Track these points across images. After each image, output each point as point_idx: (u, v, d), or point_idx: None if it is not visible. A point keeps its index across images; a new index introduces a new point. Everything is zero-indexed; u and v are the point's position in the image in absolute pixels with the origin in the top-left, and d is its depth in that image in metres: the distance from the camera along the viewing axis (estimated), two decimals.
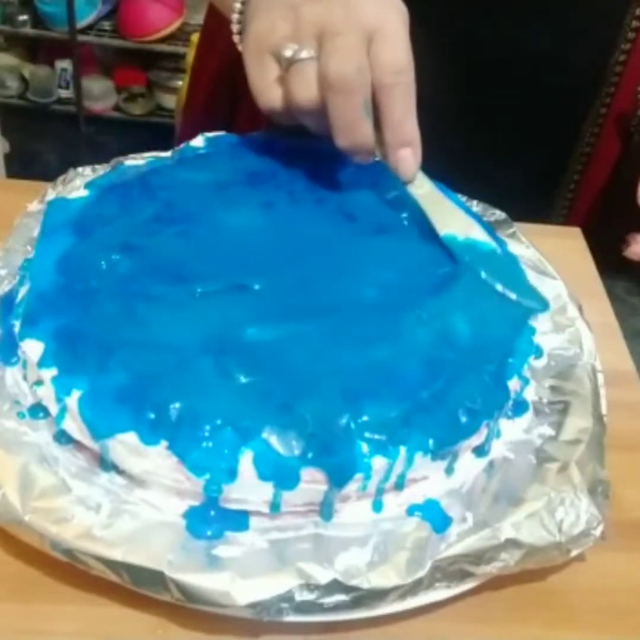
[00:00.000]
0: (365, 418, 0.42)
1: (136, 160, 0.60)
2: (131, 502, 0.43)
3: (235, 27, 0.56)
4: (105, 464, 0.43)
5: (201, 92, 0.88)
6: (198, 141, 0.61)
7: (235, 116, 0.81)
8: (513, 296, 0.50)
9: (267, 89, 0.52)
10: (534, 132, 0.76)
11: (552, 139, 0.77)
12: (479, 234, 0.53)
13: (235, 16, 0.56)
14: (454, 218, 0.53)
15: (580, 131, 0.77)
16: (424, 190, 0.53)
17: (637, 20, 0.71)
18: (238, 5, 0.56)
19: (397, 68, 0.48)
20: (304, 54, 0.49)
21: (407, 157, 0.51)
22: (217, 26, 0.76)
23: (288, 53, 0.50)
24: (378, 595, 0.41)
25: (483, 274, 0.51)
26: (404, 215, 0.56)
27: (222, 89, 0.82)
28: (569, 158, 0.79)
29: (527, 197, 0.66)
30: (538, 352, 0.53)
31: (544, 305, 0.51)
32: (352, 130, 0.49)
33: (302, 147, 0.61)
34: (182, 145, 0.61)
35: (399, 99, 0.49)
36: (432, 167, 0.56)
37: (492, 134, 0.72)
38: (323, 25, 0.48)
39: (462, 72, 0.72)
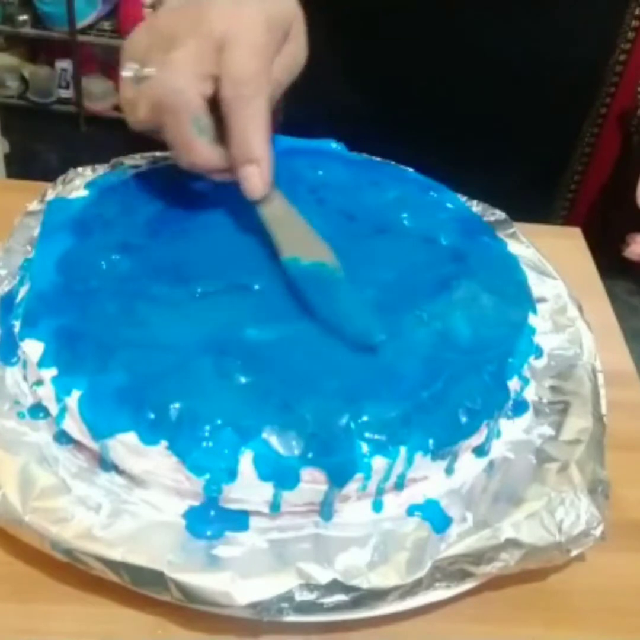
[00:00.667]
0: (365, 418, 0.42)
1: (136, 160, 0.60)
2: (131, 502, 0.43)
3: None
4: (105, 464, 0.43)
5: None
6: None
7: None
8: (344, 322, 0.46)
9: (124, 106, 0.49)
10: (535, 132, 0.76)
11: (553, 139, 0.77)
12: (327, 257, 0.49)
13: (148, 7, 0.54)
14: (302, 241, 0.49)
15: (580, 131, 0.77)
16: (274, 210, 0.50)
17: (637, 20, 0.71)
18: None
19: (239, 80, 0.45)
20: (145, 72, 0.46)
21: (252, 174, 0.47)
22: None
23: (127, 73, 0.47)
24: (378, 595, 0.41)
25: (322, 299, 0.47)
26: (404, 215, 0.56)
27: None
28: (569, 158, 0.79)
29: (527, 197, 0.66)
30: (538, 352, 0.53)
31: (378, 332, 0.46)
32: (186, 150, 0.47)
33: (302, 147, 0.61)
34: None
35: (240, 113, 0.45)
36: (434, 166, 0.57)
37: (492, 134, 0.72)
38: (172, 36, 0.45)
39: (462, 72, 0.72)
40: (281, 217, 0.50)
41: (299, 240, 0.49)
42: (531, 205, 0.68)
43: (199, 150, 0.47)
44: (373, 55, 0.71)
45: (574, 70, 0.73)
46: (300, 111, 0.70)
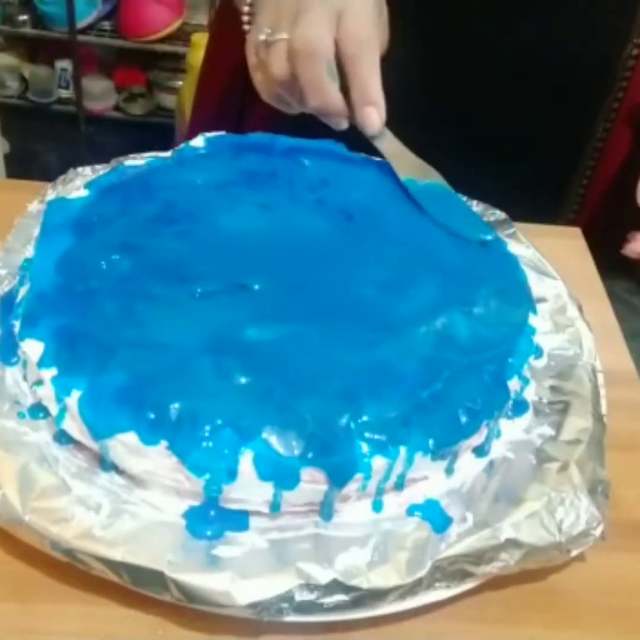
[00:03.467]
0: (365, 418, 0.42)
1: (136, 160, 0.60)
2: (131, 502, 0.43)
3: (245, 27, 0.61)
4: (105, 464, 0.43)
5: (211, 96, 0.88)
6: (198, 141, 0.61)
7: (244, 122, 0.81)
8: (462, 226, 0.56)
9: (255, 72, 0.58)
10: (546, 128, 0.76)
11: (564, 134, 0.77)
12: (437, 178, 0.59)
13: (245, 14, 0.61)
14: (414, 165, 0.59)
15: (592, 126, 0.77)
16: (389, 144, 0.59)
17: None
18: (246, 5, 0.60)
19: (360, 39, 0.54)
20: (277, 36, 0.55)
21: (372, 113, 0.56)
22: (227, 28, 0.76)
23: (262, 37, 0.56)
24: (378, 595, 0.41)
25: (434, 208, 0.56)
26: (404, 215, 0.56)
27: (232, 93, 0.82)
28: (580, 154, 0.79)
29: (537, 194, 0.66)
30: (538, 352, 0.53)
31: (489, 232, 0.57)
32: (319, 89, 0.54)
33: (302, 148, 0.61)
34: (181, 145, 0.61)
35: (363, 64, 0.54)
36: (445, 164, 0.57)
37: (503, 131, 0.72)
38: (298, 7, 0.54)
39: (473, 68, 0.72)
40: (395, 149, 0.59)
41: (413, 165, 0.59)
42: (541, 202, 0.68)
43: (330, 93, 0.55)
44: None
45: (585, 65, 0.72)
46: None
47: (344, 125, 0.57)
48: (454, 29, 0.71)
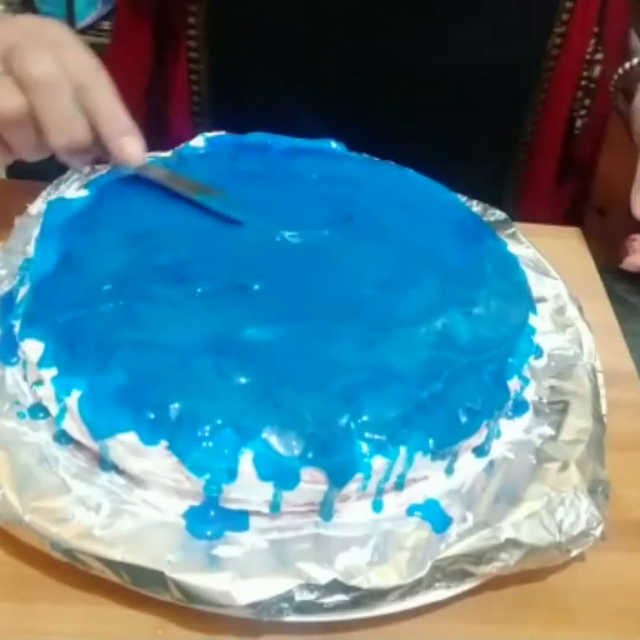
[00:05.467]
0: (365, 418, 0.42)
1: None
2: (131, 502, 0.43)
3: None
4: (105, 464, 0.43)
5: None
6: (198, 141, 0.61)
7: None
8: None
9: None
10: (476, 126, 0.75)
11: (495, 130, 0.76)
12: (217, 192, 0.55)
13: None
14: (193, 185, 0.55)
15: (522, 120, 0.76)
16: (158, 171, 0.55)
17: (570, 1, 0.70)
18: None
19: (89, 68, 0.50)
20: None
21: (131, 142, 0.51)
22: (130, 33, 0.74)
23: None
24: (378, 595, 0.41)
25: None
26: (403, 215, 0.56)
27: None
28: (513, 148, 0.79)
29: (473, 192, 0.66)
30: (538, 352, 0.53)
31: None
32: (68, 124, 0.49)
33: (302, 147, 0.61)
34: (182, 145, 0.61)
35: (103, 94, 0.50)
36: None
37: (432, 134, 0.71)
38: (10, 44, 0.49)
39: (397, 77, 0.71)
40: (167, 174, 0.55)
41: (192, 185, 0.55)
42: (479, 197, 0.67)
43: (81, 125, 0.50)
44: (319, 58, 0.71)
45: (510, 59, 0.72)
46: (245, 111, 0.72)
47: (87, 165, 0.54)
48: (382, 39, 0.70)
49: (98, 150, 0.52)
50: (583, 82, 0.75)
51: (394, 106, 0.72)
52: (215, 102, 0.76)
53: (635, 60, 0.69)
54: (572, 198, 0.84)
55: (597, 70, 0.75)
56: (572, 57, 0.73)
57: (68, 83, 0.49)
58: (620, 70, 0.71)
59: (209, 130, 0.62)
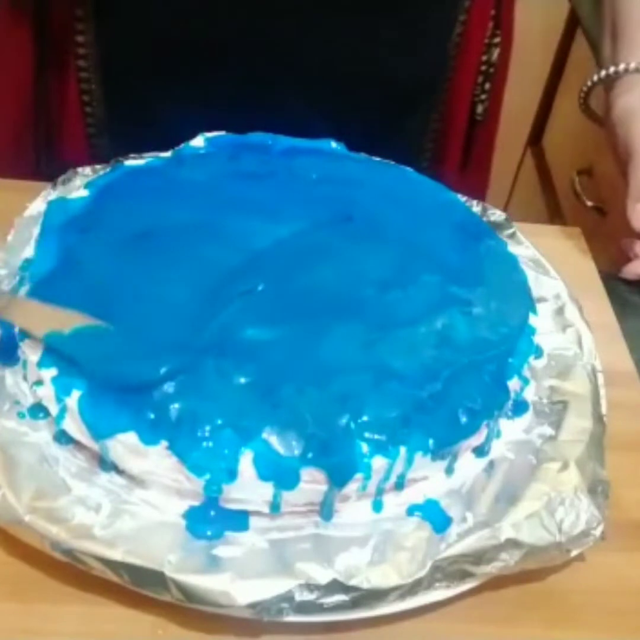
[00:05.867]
0: (365, 418, 0.42)
1: (136, 160, 0.60)
2: (131, 502, 0.43)
3: None
4: (105, 464, 0.43)
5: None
6: (198, 141, 0.61)
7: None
8: None
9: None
10: (384, 117, 0.75)
11: (402, 120, 0.76)
12: (82, 321, 0.46)
13: None
14: (48, 316, 0.46)
15: (429, 108, 0.76)
16: (20, 308, 0.47)
17: None
18: None
19: None
20: None
21: None
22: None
23: None
24: (378, 595, 0.41)
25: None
26: (403, 215, 0.56)
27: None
28: (421, 138, 0.78)
29: None
30: (538, 352, 0.53)
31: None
32: None
33: (302, 147, 0.61)
34: (181, 145, 0.61)
35: None
36: None
37: (338, 127, 0.70)
38: None
39: (294, 71, 0.69)
40: (21, 311, 0.47)
41: (50, 317, 0.46)
42: None
43: None
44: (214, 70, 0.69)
45: (415, 53, 0.71)
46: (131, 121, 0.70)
47: None
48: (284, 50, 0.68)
49: None
50: (483, 67, 0.75)
51: (291, 103, 0.70)
52: (109, 120, 0.72)
53: (602, 73, 0.69)
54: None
55: (496, 53, 0.75)
56: (474, 43, 0.73)
57: None
58: (588, 82, 0.71)
59: (104, 147, 0.60)
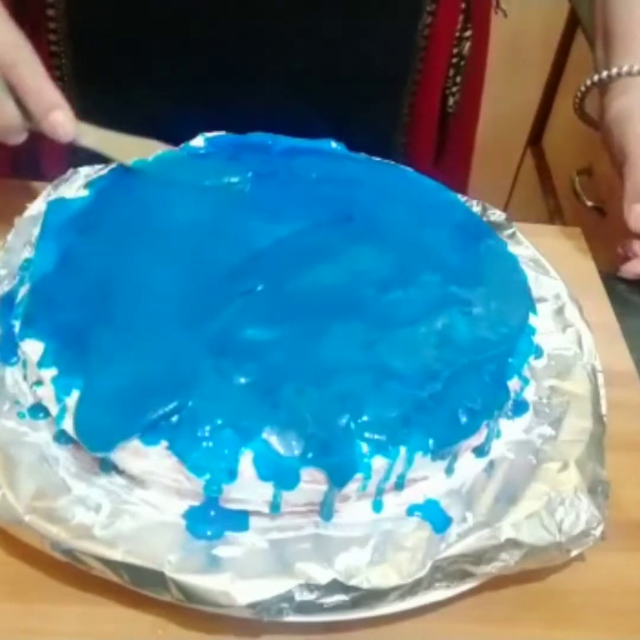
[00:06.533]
0: (365, 418, 0.42)
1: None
2: (131, 502, 0.43)
3: None
4: (105, 464, 0.43)
5: None
6: (198, 141, 0.61)
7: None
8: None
9: None
10: (354, 110, 0.74)
11: (372, 112, 0.75)
12: (161, 146, 0.57)
13: None
14: (136, 145, 0.56)
15: (398, 101, 0.76)
16: (94, 136, 0.55)
17: None
18: None
19: (12, 45, 0.51)
20: None
21: (59, 118, 0.52)
22: None
23: None
24: (378, 595, 0.41)
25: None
26: (403, 215, 0.56)
27: None
28: (392, 131, 0.78)
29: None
30: (538, 352, 0.53)
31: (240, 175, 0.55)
32: None
33: (302, 147, 0.61)
34: (181, 146, 0.61)
35: (27, 71, 0.51)
36: None
37: (307, 118, 0.69)
38: None
39: (265, 57, 0.69)
40: (102, 138, 0.55)
41: (131, 145, 0.56)
42: None
43: (9, 110, 0.51)
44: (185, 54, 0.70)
45: (382, 41, 0.71)
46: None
47: (20, 140, 0.54)
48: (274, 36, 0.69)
49: (29, 125, 0.53)
50: (454, 60, 0.75)
51: (264, 92, 0.70)
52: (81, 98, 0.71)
53: (596, 77, 0.69)
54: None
55: (467, 47, 0.75)
56: (443, 36, 0.73)
57: None
58: (582, 87, 0.71)
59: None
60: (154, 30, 0.68)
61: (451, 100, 0.77)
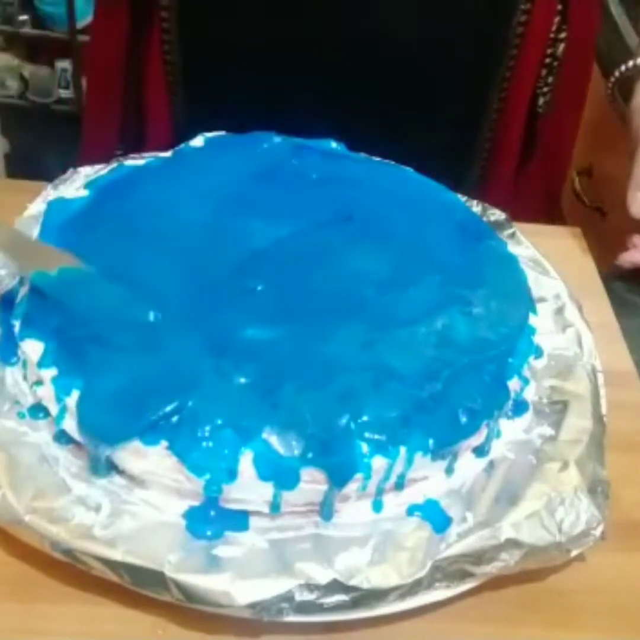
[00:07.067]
0: (365, 418, 0.42)
1: (136, 160, 0.60)
2: (131, 502, 0.43)
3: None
4: (103, 465, 0.43)
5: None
6: (198, 141, 0.61)
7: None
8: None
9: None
10: (442, 103, 0.76)
11: (460, 105, 0.77)
12: (70, 261, 0.48)
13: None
14: (43, 255, 0.49)
15: (487, 97, 0.77)
16: (3, 237, 0.49)
17: None
18: None
19: None
20: None
21: None
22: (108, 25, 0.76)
23: None
24: (378, 595, 0.41)
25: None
26: (403, 215, 0.56)
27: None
28: (478, 125, 0.79)
29: (442, 163, 0.65)
30: (538, 352, 0.53)
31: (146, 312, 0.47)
32: None
33: (302, 147, 0.61)
34: (181, 145, 0.61)
35: None
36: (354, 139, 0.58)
37: (396, 112, 0.71)
38: None
39: (359, 54, 0.71)
40: (11, 243, 0.49)
41: (37, 255, 0.49)
42: (448, 169, 0.66)
43: None
44: (281, 34, 0.72)
45: (474, 36, 0.72)
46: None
47: None
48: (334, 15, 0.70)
49: None
50: (547, 60, 0.76)
51: (355, 85, 0.72)
52: (188, 80, 0.77)
53: (631, 63, 0.70)
54: (544, 189, 0.83)
55: (561, 48, 0.75)
56: (537, 35, 0.73)
57: None
58: (616, 73, 0.72)
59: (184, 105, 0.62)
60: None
61: (541, 100, 0.78)
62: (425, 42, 0.71)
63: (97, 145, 0.80)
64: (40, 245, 0.50)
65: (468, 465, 0.47)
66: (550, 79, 0.77)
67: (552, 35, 0.74)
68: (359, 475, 0.42)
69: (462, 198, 0.63)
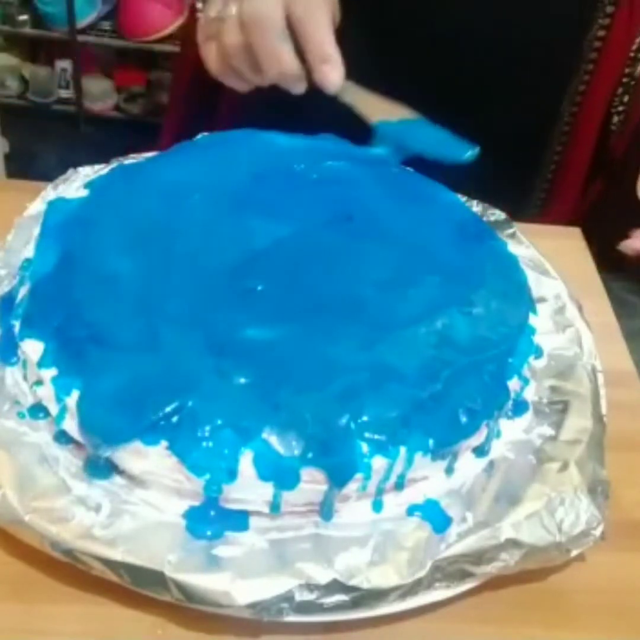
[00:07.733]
0: (365, 418, 0.42)
1: (136, 160, 0.60)
2: (131, 502, 0.43)
3: (199, 5, 0.64)
4: (101, 467, 0.43)
5: (183, 85, 0.87)
6: (199, 140, 0.61)
7: (216, 111, 0.81)
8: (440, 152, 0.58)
9: (205, 47, 0.60)
10: (511, 114, 0.75)
11: (530, 119, 0.76)
12: (407, 114, 0.60)
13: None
14: (383, 107, 0.60)
15: (559, 110, 0.76)
16: (353, 95, 0.60)
17: None
18: None
19: (309, 7, 0.56)
20: (228, 10, 0.57)
21: (329, 71, 0.57)
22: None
23: (213, 13, 0.59)
24: (378, 595, 0.41)
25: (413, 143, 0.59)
26: (404, 214, 0.56)
27: (202, 82, 0.81)
28: (547, 139, 0.78)
29: (502, 183, 0.65)
30: (538, 352, 0.53)
31: (468, 148, 0.59)
32: (273, 55, 0.56)
33: (302, 146, 0.61)
34: (181, 144, 0.61)
35: (313, 23, 0.56)
36: None
37: (465, 118, 0.71)
38: None
39: (435, 56, 0.71)
40: (360, 98, 0.60)
41: (382, 108, 0.60)
42: (507, 192, 0.66)
43: (286, 57, 0.57)
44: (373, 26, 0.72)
45: (549, 47, 0.72)
46: None
47: (301, 88, 0.59)
48: (408, 13, 0.71)
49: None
50: (625, 79, 0.75)
51: (435, 85, 0.71)
52: None
53: None
54: (594, 200, 0.83)
55: (639, 68, 0.74)
56: (615, 52, 0.73)
57: (275, 19, 0.55)
58: None
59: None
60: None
61: (615, 119, 0.77)
62: (501, 44, 0.71)
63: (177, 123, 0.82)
64: (381, 99, 0.60)
65: (468, 465, 0.47)
66: (625, 98, 0.76)
67: (631, 54, 0.74)
68: (359, 475, 0.42)
69: (462, 198, 0.63)
